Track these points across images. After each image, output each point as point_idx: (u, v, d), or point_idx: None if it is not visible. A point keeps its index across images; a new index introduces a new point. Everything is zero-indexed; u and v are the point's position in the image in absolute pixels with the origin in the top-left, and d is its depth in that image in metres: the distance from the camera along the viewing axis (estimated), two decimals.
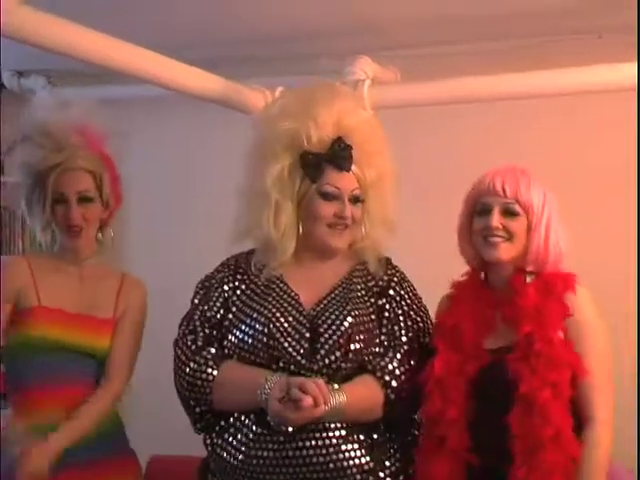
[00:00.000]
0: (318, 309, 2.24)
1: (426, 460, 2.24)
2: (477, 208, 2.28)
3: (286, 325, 2.21)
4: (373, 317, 2.26)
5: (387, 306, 2.28)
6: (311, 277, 2.30)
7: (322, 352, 2.17)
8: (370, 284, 2.31)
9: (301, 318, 2.22)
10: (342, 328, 2.19)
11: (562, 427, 2.11)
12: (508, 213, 2.23)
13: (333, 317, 2.21)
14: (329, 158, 2.24)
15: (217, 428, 2.26)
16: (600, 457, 2.15)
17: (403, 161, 3.91)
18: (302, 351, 2.18)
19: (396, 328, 2.26)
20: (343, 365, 2.17)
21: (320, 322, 2.21)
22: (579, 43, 3.66)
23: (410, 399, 2.21)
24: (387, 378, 2.17)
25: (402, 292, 2.31)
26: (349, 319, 2.20)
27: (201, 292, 2.35)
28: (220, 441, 2.24)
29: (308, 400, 2.05)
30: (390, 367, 2.19)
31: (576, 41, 3.67)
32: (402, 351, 2.22)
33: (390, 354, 2.21)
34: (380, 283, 2.31)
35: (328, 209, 2.26)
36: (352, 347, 2.18)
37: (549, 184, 3.73)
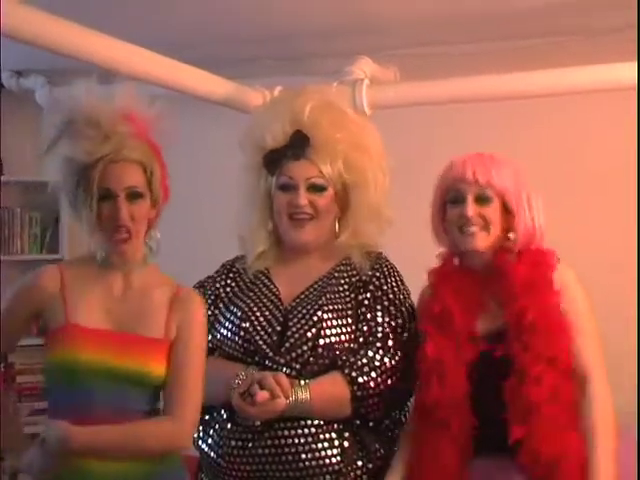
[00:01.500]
0: (294, 304, 2.24)
1: (428, 447, 2.19)
2: (449, 196, 2.25)
3: (261, 319, 2.22)
4: (351, 312, 2.23)
5: (366, 302, 2.25)
6: (295, 273, 2.31)
7: (287, 345, 2.17)
8: (354, 279, 2.29)
9: (276, 312, 2.23)
10: (311, 322, 2.18)
11: (559, 387, 2.11)
12: (482, 200, 2.21)
13: (304, 311, 2.21)
14: (284, 150, 2.27)
15: (202, 423, 2.27)
16: (600, 410, 2.12)
17: (402, 160, 3.92)
18: (271, 344, 2.18)
19: (372, 324, 2.22)
20: (312, 359, 2.16)
21: (291, 316, 2.21)
22: (578, 43, 3.66)
23: (382, 396, 2.17)
24: (354, 374, 2.14)
25: (385, 287, 2.27)
26: (319, 313, 2.19)
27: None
28: (203, 435, 2.25)
29: (262, 395, 2.06)
30: (359, 363, 2.15)
31: (575, 41, 3.66)
32: (374, 348, 2.18)
33: (362, 351, 2.18)
34: (363, 278, 2.28)
35: (284, 199, 2.28)
36: (322, 342, 2.16)
37: (548, 183, 3.74)
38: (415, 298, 2.34)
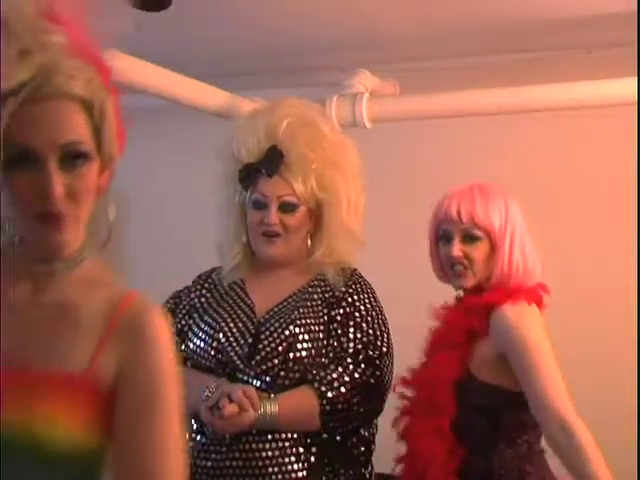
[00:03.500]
0: (267, 316, 2.25)
1: None
2: (440, 234, 2.27)
3: (235, 330, 2.23)
4: (323, 327, 2.23)
5: (338, 317, 2.25)
6: (270, 286, 2.31)
7: (258, 358, 2.17)
8: (327, 294, 2.29)
9: (249, 324, 2.23)
10: (282, 336, 2.18)
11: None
12: (468, 239, 2.21)
13: (277, 325, 2.21)
14: (258, 165, 2.27)
15: None
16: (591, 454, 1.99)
17: (403, 173, 3.91)
18: (242, 355, 2.18)
19: (343, 340, 2.22)
20: (282, 373, 2.16)
21: (264, 329, 2.21)
22: (578, 58, 3.65)
23: (352, 411, 2.17)
24: (323, 389, 2.14)
25: (357, 303, 2.27)
26: (291, 327, 2.19)
27: (170, 301, 2.40)
28: None
29: (229, 408, 2.05)
30: (329, 378, 2.15)
31: (575, 56, 3.66)
32: (345, 363, 2.19)
33: (332, 366, 2.18)
34: (337, 294, 2.28)
35: (257, 217, 2.28)
36: (292, 355, 2.16)
37: (547, 198, 3.73)
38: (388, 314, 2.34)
